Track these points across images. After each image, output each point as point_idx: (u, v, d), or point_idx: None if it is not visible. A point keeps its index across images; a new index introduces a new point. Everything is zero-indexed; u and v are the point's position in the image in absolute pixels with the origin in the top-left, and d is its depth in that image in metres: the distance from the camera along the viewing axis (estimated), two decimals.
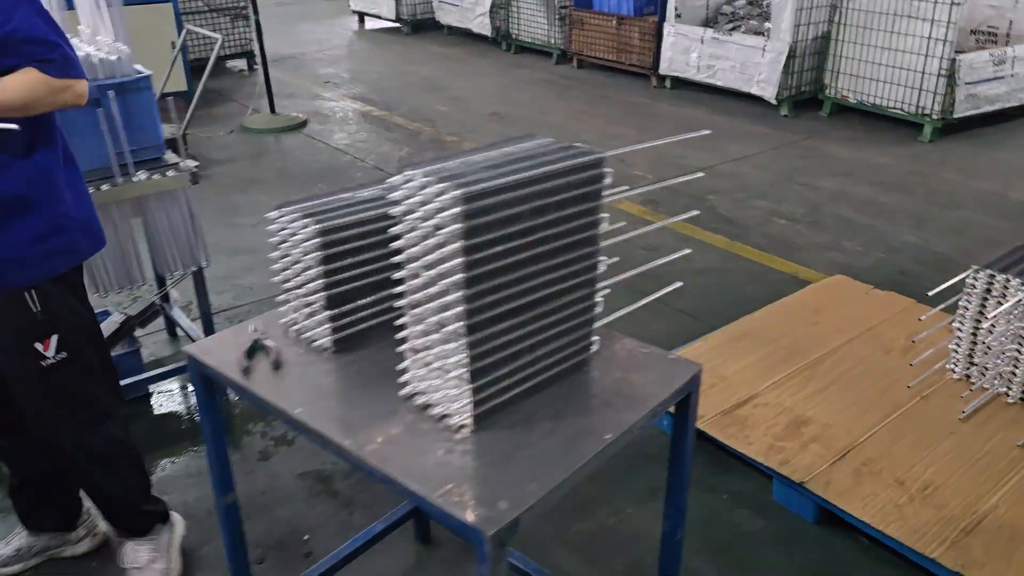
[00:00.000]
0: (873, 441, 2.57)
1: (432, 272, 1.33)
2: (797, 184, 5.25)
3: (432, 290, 1.34)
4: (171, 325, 3.54)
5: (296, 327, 1.68)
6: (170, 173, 2.73)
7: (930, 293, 2.82)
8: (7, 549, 2.30)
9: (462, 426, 1.41)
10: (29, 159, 1.87)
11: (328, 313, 1.62)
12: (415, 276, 1.37)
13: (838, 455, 2.51)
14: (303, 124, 6.51)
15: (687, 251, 1.70)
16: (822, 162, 5.65)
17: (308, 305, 1.64)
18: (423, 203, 1.31)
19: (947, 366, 2.86)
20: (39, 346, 1.94)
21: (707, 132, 1.78)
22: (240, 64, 8.37)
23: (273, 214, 1.62)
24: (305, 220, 1.57)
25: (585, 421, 1.44)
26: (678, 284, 1.70)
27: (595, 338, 1.59)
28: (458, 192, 1.26)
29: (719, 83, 6.99)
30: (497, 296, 1.36)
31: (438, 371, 1.41)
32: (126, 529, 2.28)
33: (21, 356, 1.92)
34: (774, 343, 3.12)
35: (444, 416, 1.42)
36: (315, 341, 1.65)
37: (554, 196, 1.39)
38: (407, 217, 1.34)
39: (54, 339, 1.95)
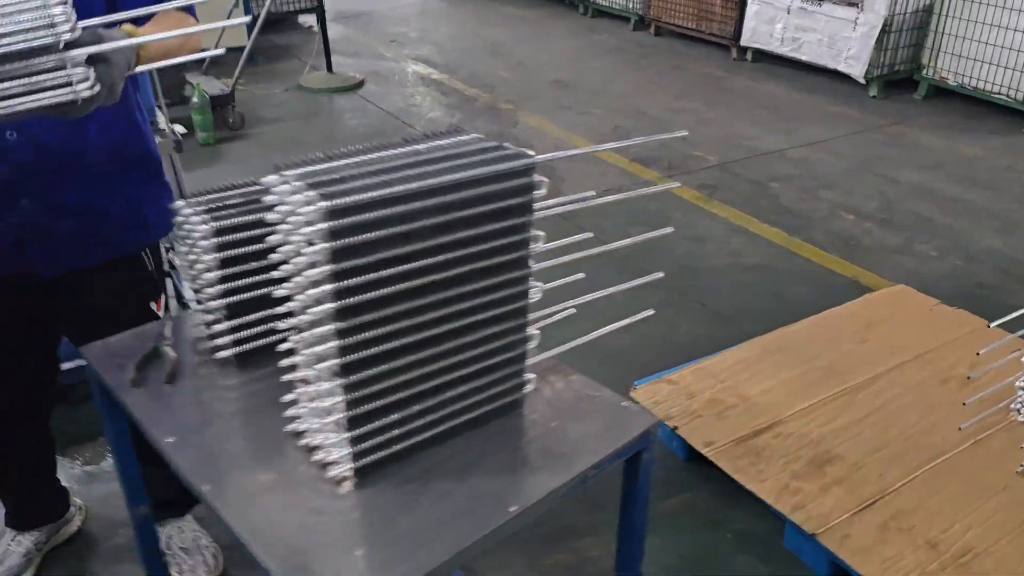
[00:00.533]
0: (907, 490, 2.23)
1: (307, 295, 1.09)
2: (874, 175, 4.77)
3: (306, 316, 1.10)
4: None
5: (199, 335, 1.48)
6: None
7: (993, 325, 2.41)
8: (15, 557, 2.17)
9: (343, 479, 1.17)
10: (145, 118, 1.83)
11: (228, 323, 1.41)
12: (297, 294, 1.13)
13: (863, 504, 2.18)
14: (359, 85, 6.33)
15: (669, 229, 1.39)
16: (908, 151, 5.13)
17: (210, 312, 1.43)
18: (292, 213, 1.06)
19: (1012, 406, 2.46)
20: (153, 305, 1.89)
21: (683, 133, 1.46)
22: (310, 20, 8.24)
23: (179, 203, 1.41)
24: (203, 216, 1.35)
25: (492, 484, 1.19)
26: (659, 275, 1.39)
27: (529, 376, 1.33)
28: (324, 204, 1.01)
29: (804, 58, 6.45)
30: (385, 329, 1.11)
31: (320, 410, 1.18)
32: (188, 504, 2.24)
33: (140, 317, 1.74)
34: (812, 361, 2.77)
35: (327, 464, 1.19)
36: (217, 352, 1.44)
37: (465, 210, 1.12)
38: (280, 227, 1.10)
39: (163, 297, 1.91)
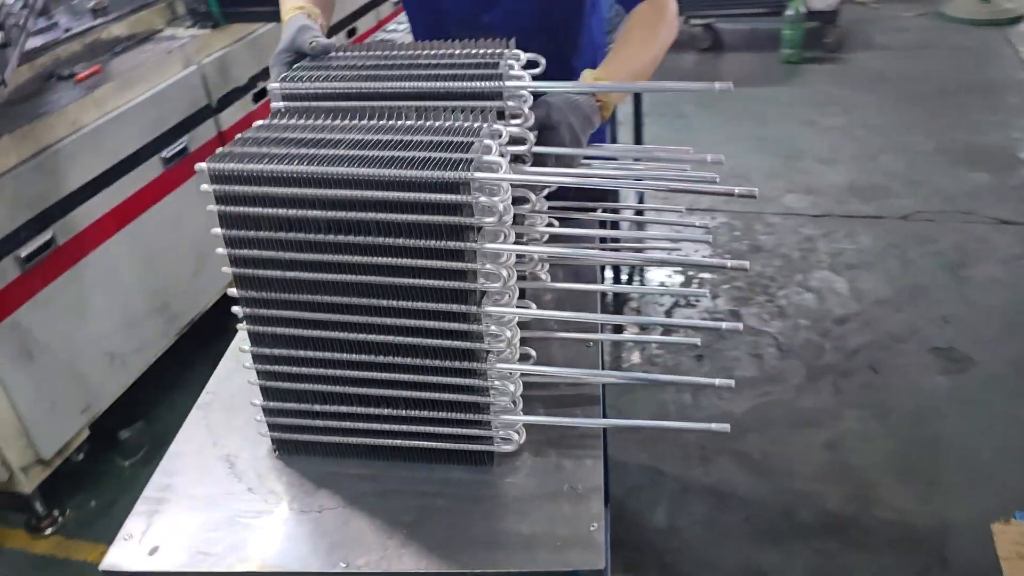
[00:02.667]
0: None
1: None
2: None
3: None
4: None
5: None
6: None
7: None
8: None
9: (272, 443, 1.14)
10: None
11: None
12: None
13: None
14: (1015, 21, 5.12)
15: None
16: None
17: None
18: None
19: None
20: None
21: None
22: None
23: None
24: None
25: (379, 520, 1.01)
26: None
27: (507, 432, 1.05)
28: (204, 166, 0.94)
29: None
30: (288, 313, 1.00)
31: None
32: None
33: None
34: None
35: None
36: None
37: (384, 212, 0.91)
38: None
39: None
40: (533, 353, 1.13)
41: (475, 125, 0.97)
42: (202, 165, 0.94)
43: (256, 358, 1.05)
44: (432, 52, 1.17)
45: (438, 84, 1.07)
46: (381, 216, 0.91)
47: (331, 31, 3.56)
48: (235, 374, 1.25)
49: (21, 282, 2.10)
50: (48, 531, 2.27)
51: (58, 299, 2.20)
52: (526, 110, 1.09)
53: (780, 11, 4.79)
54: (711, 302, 2.92)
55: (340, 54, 1.22)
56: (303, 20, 1.27)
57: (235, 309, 1.03)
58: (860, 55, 4.88)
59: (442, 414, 1.03)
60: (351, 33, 3.57)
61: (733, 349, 2.69)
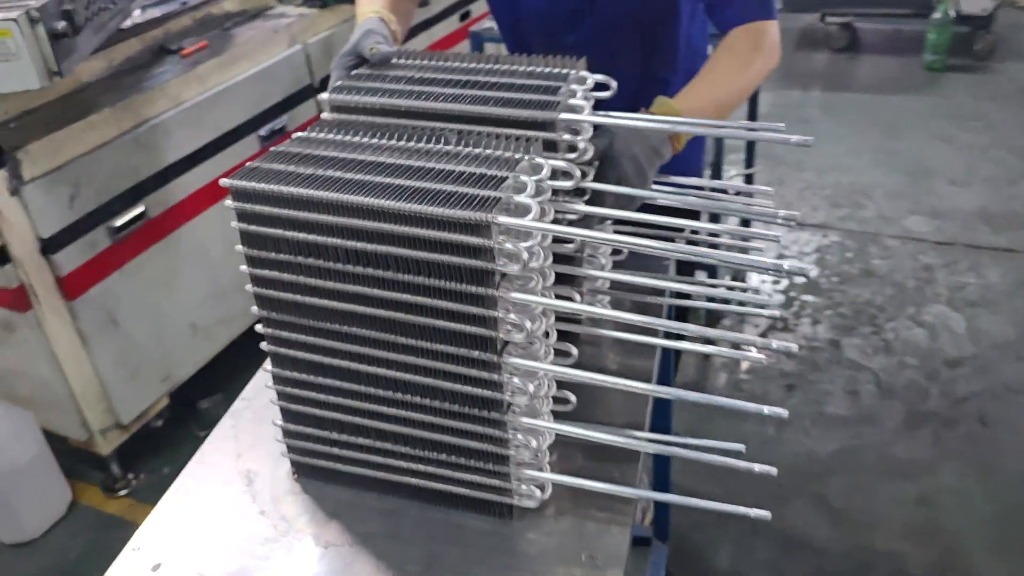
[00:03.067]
0: None
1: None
2: None
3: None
4: None
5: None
6: None
7: None
8: None
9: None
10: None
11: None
12: None
13: None
14: None
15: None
16: None
17: None
18: None
19: None
20: None
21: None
22: None
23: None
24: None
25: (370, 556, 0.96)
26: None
27: (529, 488, 0.97)
28: (228, 182, 0.90)
29: None
30: (308, 339, 0.96)
31: None
32: None
33: None
34: None
35: None
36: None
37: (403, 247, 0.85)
38: None
39: None
40: (572, 399, 1.05)
41: (515, 156, 0.88)
42: (226, 181, 0.90)
43: (277, 379, 1.01)
44: (492, 68, 1.09)
45: (486, 109, 0.99)
46: (400, 251, 0.84)
47: (445, 12, 3.49)
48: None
49: (112, 252, 2.16)
50: (122, 492, 2.36)
51: (146, 270, 2.25)
52: (580, 143, 1.00)
53: (927, 13, 4.43)
54: (811, 329, 2.73)
55: (400, 62, 1.16)
56: (372, 24, 1.22)
57: (258, 328, 0.99)
58: (1012, 66, 4.47)
59: (459, 459, 0.96)
60: (464, 16, 3.52)
61: (828, 382, 2.51)
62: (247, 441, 1.15)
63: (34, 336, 2.09)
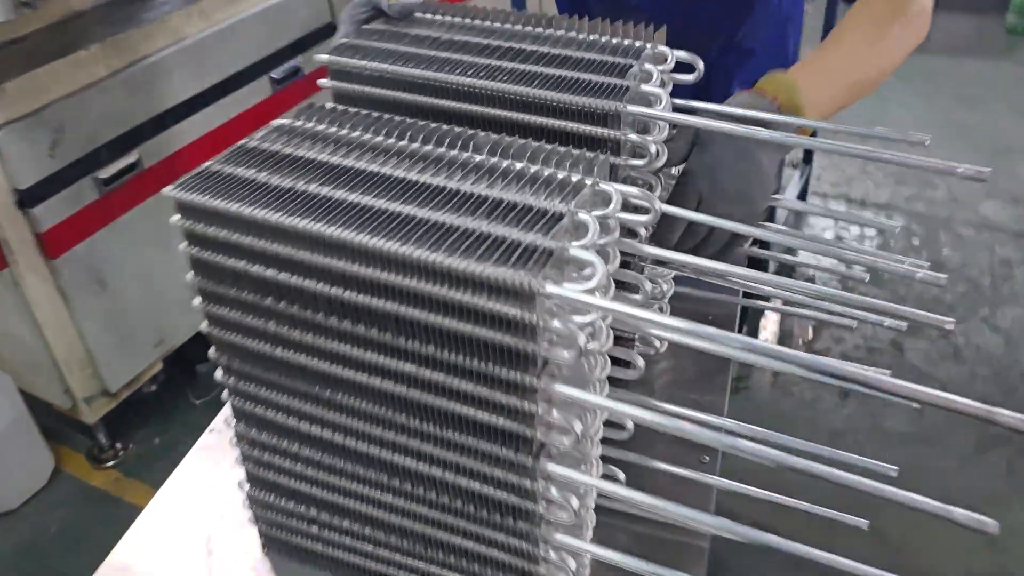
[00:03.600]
0: None
1: None
2: None
3: None
4: None
5: None
6: None
7: None
8: None
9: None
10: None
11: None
12: None
13: None
14: None
15: None
16: None
17: None
18: None
19: None
20: None
21: None
22: None
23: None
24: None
25: None
26: None
27: None
28: (169, 191, 0.65)
29: None
30: (276, 396, 0.72)
31: None
32: None
33: None
34: None
35: None
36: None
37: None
38: None
39: None
40: (621, 476, 0.82)
41: (573, 180, 0.62)
42: (170, 191, 0.66)
43: (241, 437, 0.78)
44: (541, 33, 0.83)
45: (529, 90, 0.74)
46: (403, 310, 0.59)
47: None
48: None
49: (99, 205, 1.93)
50: (109, 464, 2.18)
51: (138, 226, 2.02)
52: (652, 148, 0.74)
53: None
54: (870, 327, 2.47)
55: (426, 17, 0.90)
56: None
57: (218, 377, 0.75)
58: None
59: (474, 566, 0.73)
60: None
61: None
62: (211, 495, 0.93)
63: (11, 296, 1.88)
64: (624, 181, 0.77)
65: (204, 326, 0.72)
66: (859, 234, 2.89)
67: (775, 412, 2.23)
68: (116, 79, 1.90)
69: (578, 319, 0.56)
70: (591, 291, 0.54)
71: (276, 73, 2.28)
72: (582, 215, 0.59)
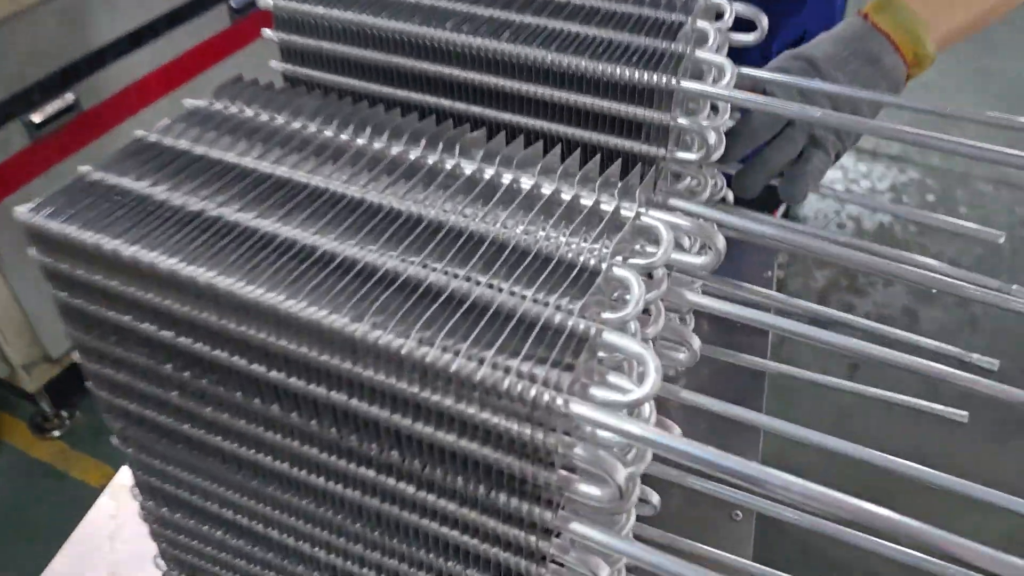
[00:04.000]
0: None
1: None
2: None
3: None
4: None
5: None
6: None
7: None
8: None
9: None
10: None
11: None
12: None
13: None
14: None
15: None
16: None
17: None
18: None
19: None
20: None
21: None
22: None
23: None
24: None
25: None
26: None
27: None
28: (19, 211, 0.45)
29: None
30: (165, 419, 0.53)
31: None
32: None
33: None
34: None
35: None
36: None
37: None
38: None
39: None
40: (655, 500, 0.65)
41: (602, 207, 0.43)
42: (23, 212, 0.45)
43: (148, 513, 0.59)
44: None
45: (545, 53, 0.53)
46: (354, 406, 0.40)
47: None
48: None
49: (32, 152, 1.70)
50: (55, 433, 1.99)
51: None
52: (711, 138, 0.54)
53: None
54: (882, 293, 2.30)
55: None
56: None
57: (113, 440, 0.56)
58: None
59: None
60: None
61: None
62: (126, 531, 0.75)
63: None
64: (671, 178, 0.57)
65: (89, 385, 0.53)
66: (869, 188, 2.71)
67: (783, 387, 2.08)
68: (49, 7, 1.64)
69: (608, 436, 0.37)
70: (636, 402, 0.35)
71: (235, 1, 2.02)
72: (620, 271, 0.39)
